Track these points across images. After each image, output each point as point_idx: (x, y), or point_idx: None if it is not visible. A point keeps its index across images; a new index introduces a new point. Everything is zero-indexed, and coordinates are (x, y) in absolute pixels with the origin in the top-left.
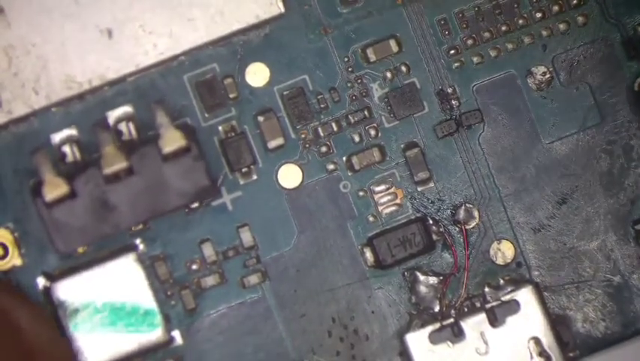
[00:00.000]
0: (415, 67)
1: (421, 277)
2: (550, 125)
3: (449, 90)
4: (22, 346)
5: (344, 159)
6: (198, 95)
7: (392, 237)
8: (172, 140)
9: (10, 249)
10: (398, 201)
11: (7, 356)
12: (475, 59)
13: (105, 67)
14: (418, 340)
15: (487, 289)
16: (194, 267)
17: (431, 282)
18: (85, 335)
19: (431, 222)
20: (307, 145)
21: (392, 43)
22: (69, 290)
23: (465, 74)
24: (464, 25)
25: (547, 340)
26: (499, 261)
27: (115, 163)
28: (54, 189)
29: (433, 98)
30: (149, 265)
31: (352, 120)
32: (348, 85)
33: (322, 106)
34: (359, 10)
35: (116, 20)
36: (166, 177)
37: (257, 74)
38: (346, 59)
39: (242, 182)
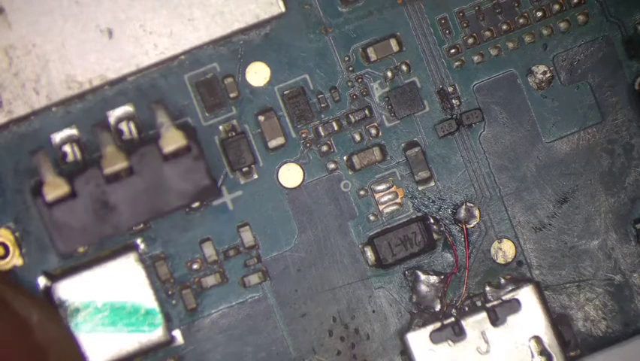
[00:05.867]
0: (415, 66)
1: (422, 277)
2: (550, 124)
3: (450, 89)
4: (33, 343)
5: (345, 158)
6: (199, 95)
7: (393, 236)
8: (172, 139)
9: (11, 249)
10: (399, 200)
11: (19, 353)
12: (476, 58)
13: (105, 67)
14: (418, 339)
15: (487, 289)
16: (195, 266)
17: (432, 281)
18: (86, 335)
19: (432, 221)
20: (308, 144)
21: (392, 42)
22: (70, 290)
23: (465, 73)
24: (465, 25)
25: (548, 339)
26: (500, 260)
27: (115, 163)
28: (54, 189)
29: (433, 98)
30: (149, 264)
31: (353, 120)
32: (349, 84)
33: (323, 105)
34: (359, 9)
35: (116, 20)
36: (166, 177)
37: (257, 74)
38: (347, 59)
39: (242, 181)
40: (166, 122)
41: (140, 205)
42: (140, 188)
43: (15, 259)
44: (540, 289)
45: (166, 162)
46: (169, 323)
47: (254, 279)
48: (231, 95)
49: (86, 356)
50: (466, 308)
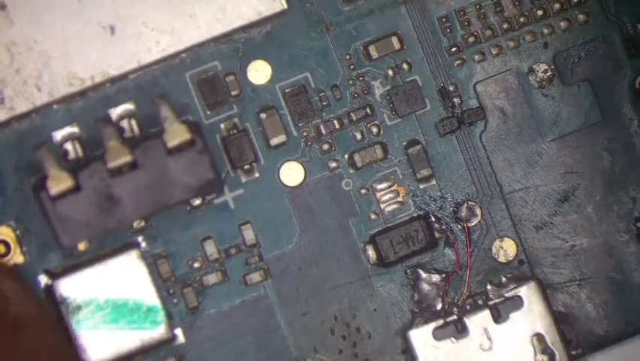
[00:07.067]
0: (416, 64)
1: (424, 275)
2: (551, 123)
3: (451, 88)
4: (6, 316)
5: (346, 156)
6: (200, 93)
7: (394, 234)
8: (176, 134)
9: (12, 246)
10: (400, 198)
11: None
12: (477, 57)
13: (107, 63)
14: (421, 336)
15: (489, 287)
16: (196, 265)
17: (434, 280)
18: (87, 332)
19: (433, 219)
20: (309, 143)
21: (394, 40)
22: (71, 287)
23: (466, 71)
24: (465, 23)
25: (551, 337)
26: (502, 259)
27: (119, 157)
28: (59, 183)
29: (434, 96)
30: (151, 263)
31: (354, 118)
32: (350, 82)
33: (324, 104)
34: (361, 7)
35: (118, 17)
36: (170, 171)
37: (259, 72)
38: (348, 57)
39: (244, 180)
40: (170, 116)
41: (144, 199)
42: (144, 182)
43: (16, 257)
44: (542, 286)
45: (170, 156)
46: (170, 321)
47: (255, 277)
48: (233, 93)
49: (62, 326)
50: (468, 307)
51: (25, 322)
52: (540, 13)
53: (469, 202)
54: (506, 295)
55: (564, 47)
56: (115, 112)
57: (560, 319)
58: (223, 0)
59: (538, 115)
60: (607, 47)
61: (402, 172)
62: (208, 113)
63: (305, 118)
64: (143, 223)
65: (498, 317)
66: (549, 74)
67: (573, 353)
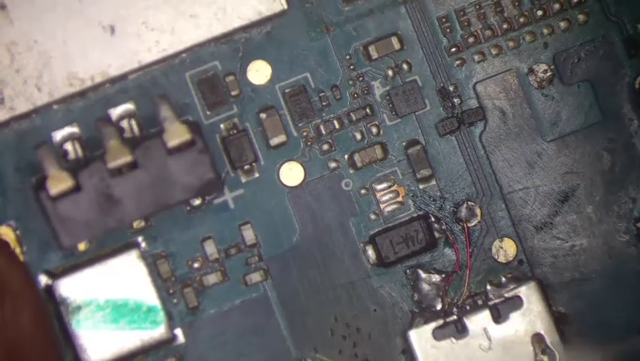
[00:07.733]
0: (416, 64)
1: (424, 275)
2: (551, 123)
3: (451, 88)
4: None
5: (346, 156)
6: (200, 93)
7: (394, 234)
8: (177, 133)
9: (12, 246)
10: (400, 199)
11: None
12: (477, 57)
13: (107, 63)
14: (421, 336)
15: (489, 287)
16: (196, 265)
17: (433, 280)
18: (87, 332)
19: (433, 219)
20: (309, 143)
21: (394, 40)
22: (71, 288)
23: (466, 71)
24: (465, 23)
25: (551, 337)
26: (501, 259)
27: (119, 157)
28: (59, 182)
29: (434, 96)
30: (151, 263)
31: (354, 118)
32: (350, 83)
33: (324, 104)
34: (361, 7)
35: (118, 17)
36: (171, 171)
37: (259, 72)
38: (348, 57)
39: (244, 180)
40: (170, 116)
41: (145, 199)
42: (145, 182)
43: None
44: (542, 286)
45: (170, 155)
46: (170, 321)
47: (255, 277)
48: (233, 93)
49: (42, 299)
50: (468, 307)
51: (8, 291)
52: (540, 13)
53: (469, 202)
54: (506, 295)
55: (564, 47)
56: (115, 112)
57: (559, 319)
58: (223, 0)
59: (538, 115)
60: (607, 47)
61: (402, 172)
62: (208, 113)
63: (305, 118)
64: (143, 223)
65: (498, 317)
66: (549, 74)
67: (573, 352)
